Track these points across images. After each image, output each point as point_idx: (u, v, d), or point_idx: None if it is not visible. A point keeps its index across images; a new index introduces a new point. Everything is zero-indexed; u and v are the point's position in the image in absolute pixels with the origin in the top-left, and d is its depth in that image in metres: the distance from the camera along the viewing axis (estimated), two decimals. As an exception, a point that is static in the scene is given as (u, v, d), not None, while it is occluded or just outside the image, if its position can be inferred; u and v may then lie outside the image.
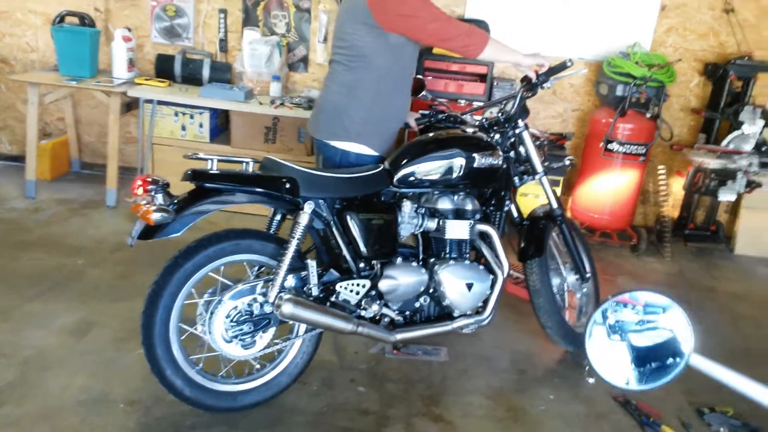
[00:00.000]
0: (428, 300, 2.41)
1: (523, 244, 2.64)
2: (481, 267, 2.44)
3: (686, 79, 4.26)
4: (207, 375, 2.15)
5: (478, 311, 2.44)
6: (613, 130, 3.87)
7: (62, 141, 4.49)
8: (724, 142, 3.99)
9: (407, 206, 2.34)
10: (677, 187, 4.32)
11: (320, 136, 2.51)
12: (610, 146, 3.92)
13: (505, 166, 2.50)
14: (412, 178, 2.32)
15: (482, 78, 3.94)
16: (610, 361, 1.20)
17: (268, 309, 2.12)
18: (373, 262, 2.29)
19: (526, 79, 2.56)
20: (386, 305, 2.33)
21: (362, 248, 2.25)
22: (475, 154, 2.36)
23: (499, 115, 2.60)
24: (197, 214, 2.02)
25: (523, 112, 2.57)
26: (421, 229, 2.39)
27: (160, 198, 1.93)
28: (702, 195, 4.13)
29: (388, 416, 2.29)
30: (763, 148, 3.92)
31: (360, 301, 2.27)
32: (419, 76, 2.63)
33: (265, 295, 2.12)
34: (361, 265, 2.28)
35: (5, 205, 3.84)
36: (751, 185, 3.95)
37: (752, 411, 2.25)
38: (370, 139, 2.46)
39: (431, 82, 3.84)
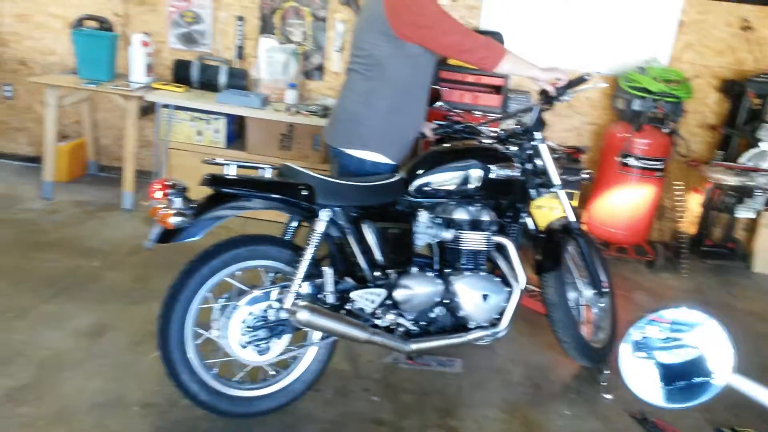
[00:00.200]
0: (443, 311, 2.40)
1: (539, 257, 2.62)
2: (497, 279, 2.43)
3: (703, 95, 4.24)
4: (222, 380, 2.15)
5: (493, 323, 2.42)
6: (630, 144, 3.86)
7: (80, 143, 4.53)
8: (742, 159, 3.96)
9: (423, 216, 2.34)
10: (694, 203, 4.29)
11: (336, 144, 2.51)
12: (626, 161, 3.90)
13: (522, 178, 2.49)
14: (427, 188, 2.32)
15: (498, 90, 3.93)
16: (638, 378, 1.18)
17: (283, 315, 2.12)
18: (389, 271, 2.29)
19: (544, 92, 2.56)
20: (401, 315, 2.32)
21: (378, 257, 2.25)
22: (491, 166, 2.36)
23: (517, 126, 2.59)
24: (215, 218, 2.03)
25: (541, 124, 2.56)
26: (437, 240, 2.38)
27: (178, 202, 1.93)
28: (720, 212, 4.10)
29: (403, 427, 2.28)
30: (782, 166, 3.89)
31: (375, 310, 2.26)
32: (435, 87, 2.63)
33: (280, 301, 2.12)
34: (377, 273, 2.27)
35: (22, 206, 3.87)
36: (770, 202, 3.92)
37: (771, 432, 2.22)
38: (386, 148, 2.46)
39: (446, 93, 3.84)
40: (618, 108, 4.04)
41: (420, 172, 2.32)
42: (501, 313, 2.42)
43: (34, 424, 2.07)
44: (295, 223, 2.30)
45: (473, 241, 2.38)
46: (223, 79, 4.17)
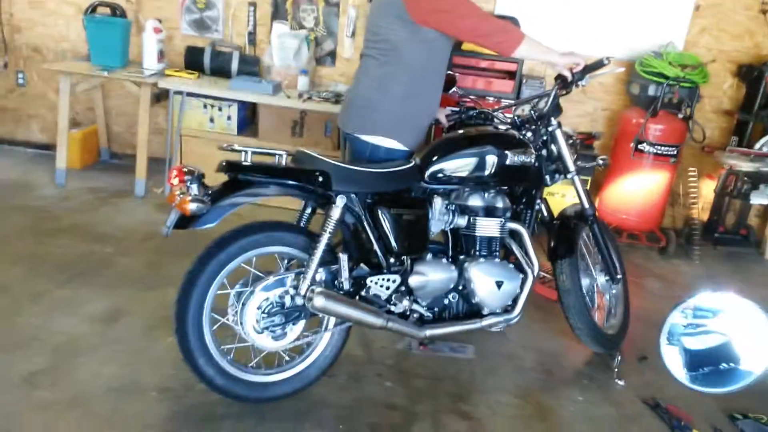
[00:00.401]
0: (457, 297, 2.40)
1: (553, 244, 2.62)
2: (511, 265, 2.43)
3: (719, 80, 4.19)
4: (238, 365, 2.16)
5: (506, 310, 2.42)
6: (645, 130, 3.82)
7: (92, 130, 4.54)
8: (758, 145, 3.92)
9: (438, 202, 2.33)
10: (707, 189, 4.25)
11: (350, 130, 2.50)
12: (640, 147, 3.87)
13: (536, 164, 2.48)
14: (441, 175, 2.31)
15: (511, 75, 3.91)
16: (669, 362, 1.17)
17: (299, 301, 2.12)
18: (403, 257, 2.29)
19: (560, 77, 2.53)
20: (416, 301, 2.32)
21: (393, 243, 2.25)
22: (507, 152, 2.35)
23: (532, 112, 2.57)
24: (232, 205, 2.03)
25: (557, 110, 2.54)
26: (452, 226, 2.38)
27: (195, 188, 1.93)
28: (734, 198, 4.06)
29: (416, 412, 2.29)
30: (798, 152, 3.85)
31: (390, 296, 2.26)
32: (450, 72, 2.62)
33: (296, 287, 2.13)
34: (392, 260, 2.27)
35: (36, 193, 3.90)
36: (785, 189, 3.88)
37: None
38: (401, 134, 2.45)
39: (459, 79, 3.81)
40: (633, 93, 4.00)
41: (434, 158, 2.31)
42: (514, 300, 2.42)
43: (51, 407, 2.10)
44: (309, 210, 2.30)
45: (487, 227, 2.38)
46: (235, 65, 4.16)
